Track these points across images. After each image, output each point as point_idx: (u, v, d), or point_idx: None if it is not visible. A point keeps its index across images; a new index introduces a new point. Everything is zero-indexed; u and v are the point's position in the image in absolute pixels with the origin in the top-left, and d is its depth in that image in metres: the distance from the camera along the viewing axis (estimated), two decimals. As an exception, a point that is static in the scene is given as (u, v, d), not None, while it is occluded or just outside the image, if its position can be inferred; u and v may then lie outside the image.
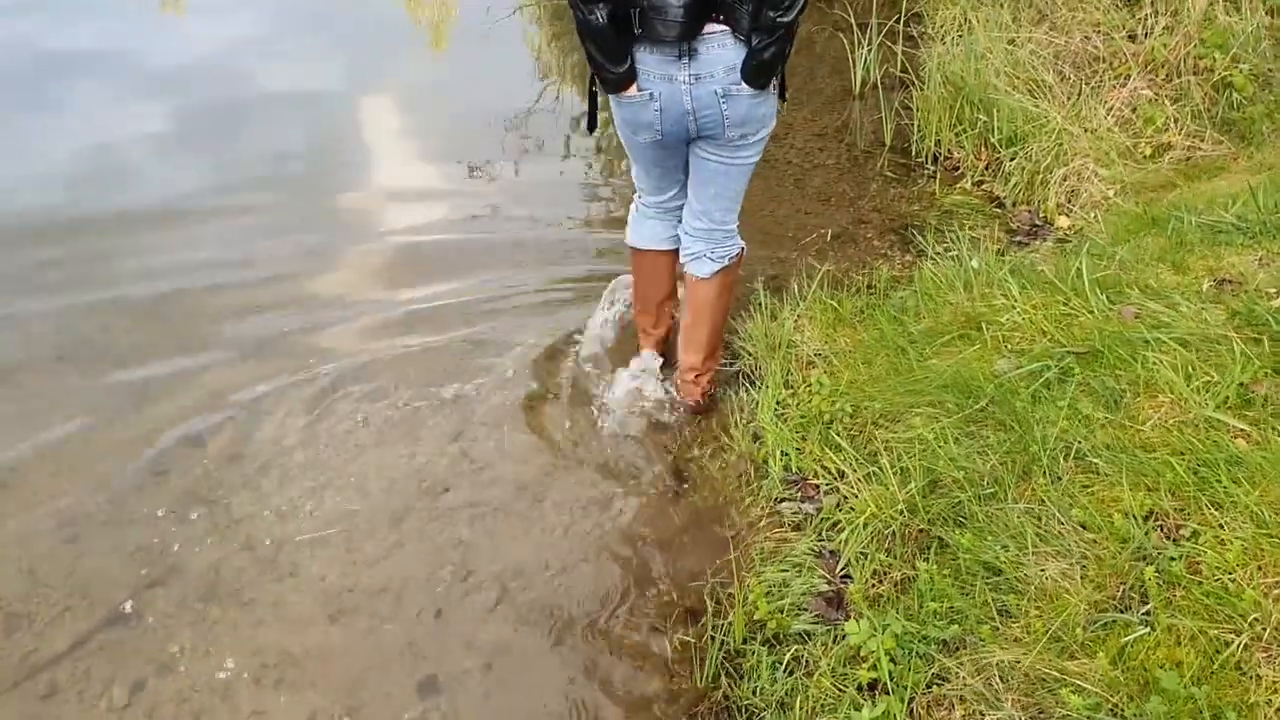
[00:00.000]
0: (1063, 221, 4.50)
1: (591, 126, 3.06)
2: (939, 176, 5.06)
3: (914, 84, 5.52)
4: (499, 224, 4.88)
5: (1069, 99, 4.90)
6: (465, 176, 5.46)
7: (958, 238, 4.17)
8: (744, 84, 2.81)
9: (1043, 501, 2.35)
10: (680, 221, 3.30)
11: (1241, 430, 2.34)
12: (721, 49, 2.77)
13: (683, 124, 2.92)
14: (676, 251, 3.36)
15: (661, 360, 3.61)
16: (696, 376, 3.45)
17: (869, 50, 6.01)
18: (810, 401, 3.20)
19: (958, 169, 5.09)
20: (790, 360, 3.48)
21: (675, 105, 2.87)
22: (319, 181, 5.37)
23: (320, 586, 2.76)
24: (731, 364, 3.63)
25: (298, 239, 4.65)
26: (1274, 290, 2.97)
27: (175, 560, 2.82)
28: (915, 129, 5.32)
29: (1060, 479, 2.40)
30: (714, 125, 2.91)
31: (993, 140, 4.91)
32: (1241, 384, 2.49)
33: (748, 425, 3.29)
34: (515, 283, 4.29)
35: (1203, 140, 4.50)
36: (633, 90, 2.87)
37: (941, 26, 6.30)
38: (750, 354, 3.59)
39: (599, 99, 3.01)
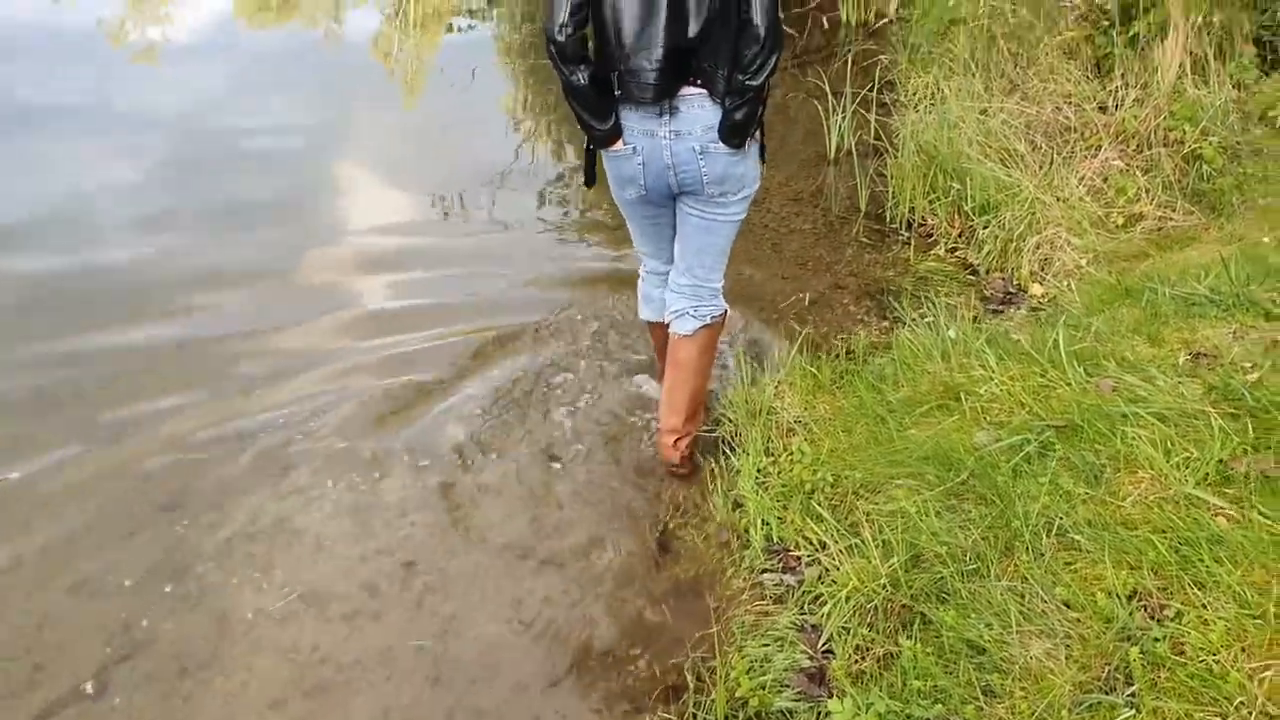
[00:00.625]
0: (1036, 290, 4.54)
1: (589, 182, 3.28)
2: (913, 243, 5.10)
3: (888, 151, 5.58)
4: (470, 266, 4.99)
5: (1041, 168, 4.97)
6: (439, 219, 5.64)
7: (934, 305, 4.20)
8: (720, 143, 2.99)
9: (1026, 579, 2.35)
10: None
11: (1222, 508, 2.35)
12: (700, 109, 2.97)
13: (664, 179, 3.10)
14: None
15: None
16: (676, 440, 3.43)
17: (843, 117, 6.08)
18: (791, 470, 3.19)
19: (931, 236, 5.14)
20: (771, 427, 3.48)
21: (656, 160, 3.06)
22: (289, 223, 5.51)
23: (294, 660, 2.71)
24: (713, 430, 3.62)
25: (268, 276, 4.80)
26: (1249, 364, 2.99)
27: (144, 634, 2.76)
28: (889, 195, 5.38)
29: (1043, 555, 2.40)
30: (693, 181, 3.08)
31: (966, 208, 4.96)
32: (1221, 461, 2.51)
33: (729, 493, 3.28)
34: (482, 324, 4.38)
35: (1174, 210, 4.56)
36: (618, 145, 3.07)
37: (914, 94, 6.39)
38: (731, 420, 3.59)
39: (595, 156, 3.21)
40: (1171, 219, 4.54)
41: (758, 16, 2.82)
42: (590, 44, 2.96)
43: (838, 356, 4.01)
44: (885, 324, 4.38)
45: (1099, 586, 2.25)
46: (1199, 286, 3.57)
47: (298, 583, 2.96)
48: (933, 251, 5.01)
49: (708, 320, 3.34)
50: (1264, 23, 5.08)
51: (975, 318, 3.99)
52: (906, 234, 5.21)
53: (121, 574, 2.96)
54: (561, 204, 5.92)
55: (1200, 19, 4.93)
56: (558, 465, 3.50)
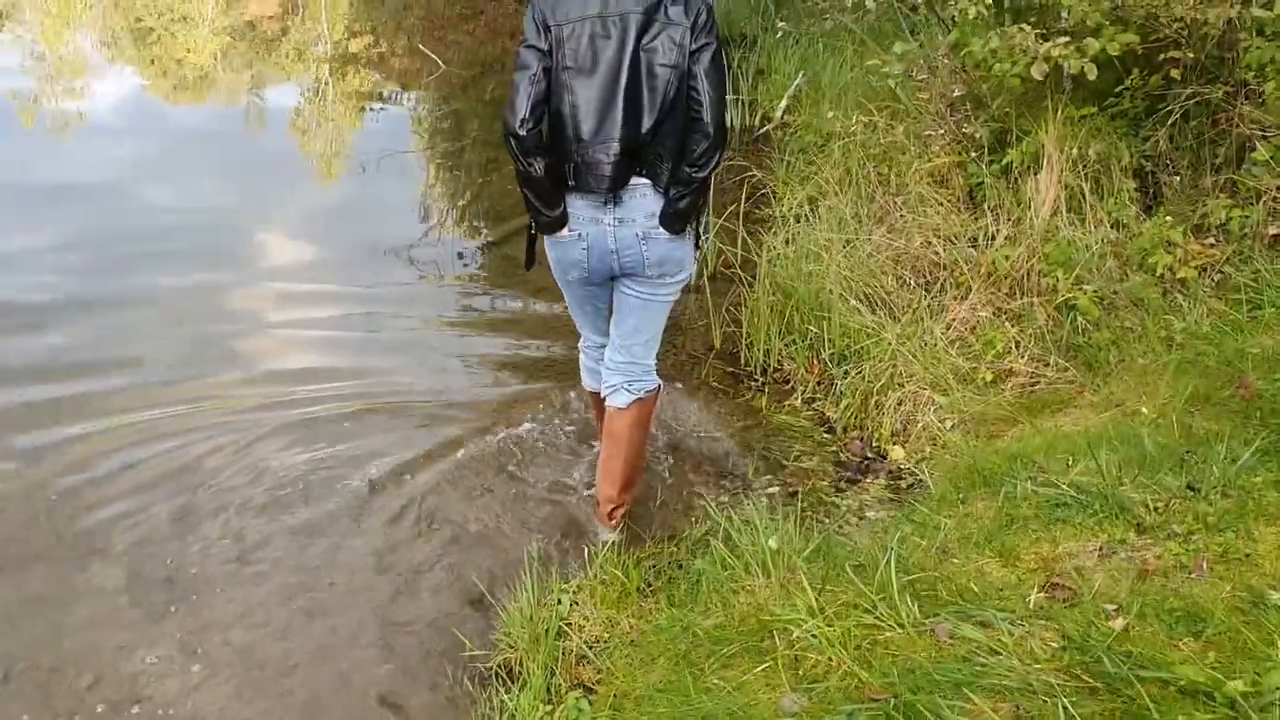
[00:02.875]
0: (897, 453, 4.04)
1: (529, 265, 3.48)
2: (768, 390, 4.58)
3: (744, 284, 5.05)
4: (378, 331, 5.14)
5: (907, 307, 4.48)
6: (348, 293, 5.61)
7: (775, 478, 3.67)
8: (661, 229, 3.25)
9: None
10: None
11: None
12: (643, 198, 3.24)
13: (607, 261, 3.34)
14: None
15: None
16: (612, 510, 3.61)
17: (706, 237, 5.58)
18: (569, 731, 2.59)
19: (788, 382, 4.63)
20: (557, 657, 2.88)
21: (600, 244, 3.30)
22: (203, 286, 5.58)
23: None
24: (487, 657, 3.01)
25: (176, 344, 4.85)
26: (1113, 605, 2.47)
27: None
28: (744, 335, 4.85)
29: None
30: (635, 263, 3.33)
31: (824, 355, 4.46)
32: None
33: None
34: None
35: (1047, 367, 4.08)
36: (564, 231, 3.30)
37: (788, 211, 5.92)
38: (511, 646, 2.97)
39: (535, 241, 3.42)
40: (1044, 376, 4.06)
41: (708, 115, 3.13)
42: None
43: (661, 542, 3.46)
44: (725, 498, 3.82)
45: None
46: (1064, 484, 3.04)
47: None
48: (788, 401, 4.50)
49: (641, 395, 3.53)
50: (1145, 152, 4.65)
51: (803, 520, 3.40)
52: (761, 379, 4.69)
53: None
54: (478, 265, 6.20)
55: (1076, 150, 4.50)
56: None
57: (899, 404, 4.15)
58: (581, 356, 3.79)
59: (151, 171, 7.63)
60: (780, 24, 8.52)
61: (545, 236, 3.36)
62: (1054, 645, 2.37)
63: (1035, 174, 4.55)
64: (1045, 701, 2.17)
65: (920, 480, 3.79)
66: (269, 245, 6.38)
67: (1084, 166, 4.50)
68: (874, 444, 4.15)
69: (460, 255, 6.32)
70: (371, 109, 10.46)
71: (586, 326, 3.69)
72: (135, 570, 3.34)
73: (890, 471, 4.00)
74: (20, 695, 2.84)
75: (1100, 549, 2.76)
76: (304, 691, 2.88)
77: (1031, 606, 2.53)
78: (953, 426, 3.98)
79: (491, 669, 2.95)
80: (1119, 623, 2.40)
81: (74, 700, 2.84)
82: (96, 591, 3.25)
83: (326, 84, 11.34)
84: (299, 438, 4.10)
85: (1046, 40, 4.39)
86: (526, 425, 4.28)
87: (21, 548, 3.42)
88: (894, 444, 4.09)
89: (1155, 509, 2.88)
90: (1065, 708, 2.11)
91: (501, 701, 2.79)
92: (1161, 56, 4.41)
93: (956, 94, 4.98)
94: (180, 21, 14.15)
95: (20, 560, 3.36)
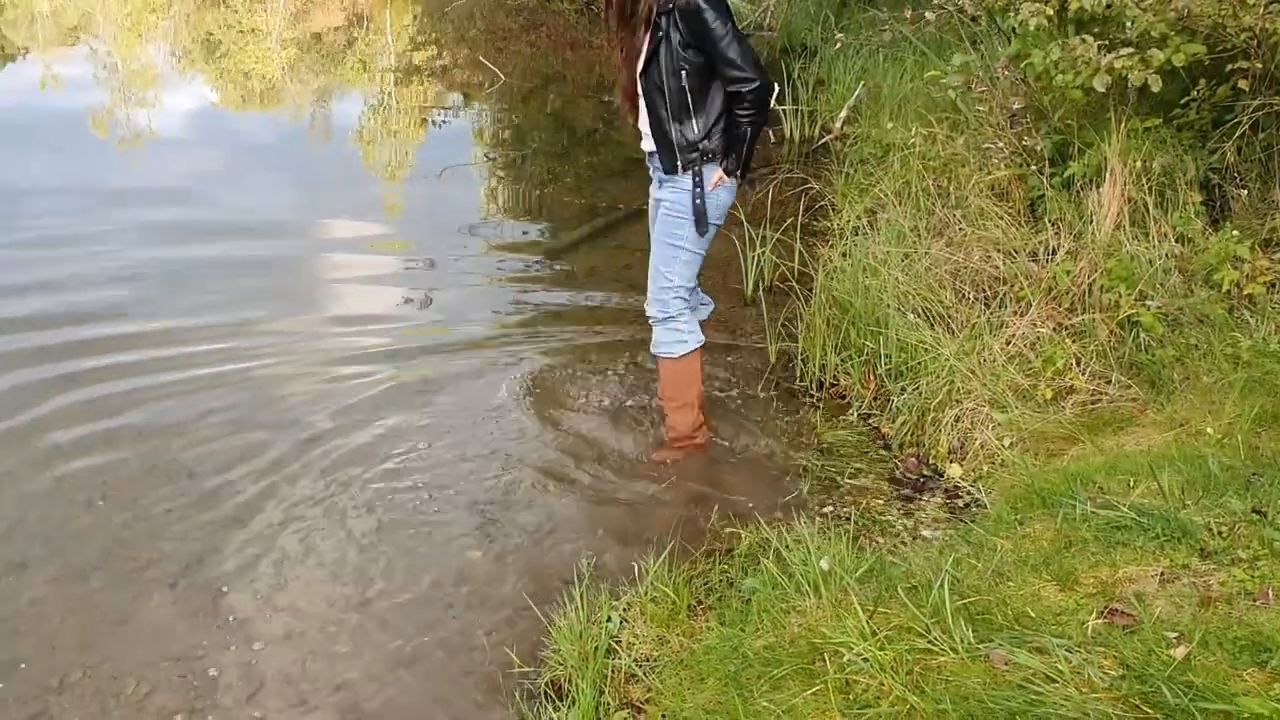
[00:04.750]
0: (954, 471, 3.98)
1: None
2: (823, 406, 4.54)
3: (800, 298, 5.01)
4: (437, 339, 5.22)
5: (965, 322, 4.41)
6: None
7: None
8: None
9: None
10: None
11: None
12: None
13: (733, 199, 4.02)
14: None
15: None
16: None
17: (762, 252, 5.56)
18: (619, 753, 2.58)
19: (844, 398, 4.58)
20: (606, 675, 2.86)
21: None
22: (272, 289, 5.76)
23: None
24: (536, 674, 3.00)
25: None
26: (1175, 633, 2.40)
27: None
28: (799, 350, 4.81)
29: None
30: None
31: (880, 371, 4.41)
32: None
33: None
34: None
35: (1109, 384, 4.00)
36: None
37: (846, 223, 5.87)
38: (560, 664, 2.96)
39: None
40: (1106, 393, 3.98)
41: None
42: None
43: (713, 559, 3.43)
44: (778, 514, 3.78)
45: None
46: (1125, 506, 2.97)
47: None
48: (843, 417, 4.45)
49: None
50: (1212, 164, 4.55)
51: (856, 539, 3.36)
52: (817, 394, 4.64)
53: None
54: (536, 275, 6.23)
55: (1139, 163, 4.41)
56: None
57: (956, 421, 4.08)
58: (676, 324, 4.03)
59: (216, 182, 7.85)
60: (838, 35, 8.46)
61: (730, 183, 3.88)
62: (1113, 674, 2.31)
63: (1098, 187, 4.46)
64: (1103, 732, 2.12)
65: (977, 499, 3.74)
66: (333, 257, 6.49)
67: (1148, 179, 4.41)
68: (930, 461, 4.09)
69: (520, 265, 6.36)
70: (434, 121, 10.59)
71: (694, 274, 4.04)
72: (188, 584, 3.38)
73: (947, 490, 3.94)
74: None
75: (1162, 574, 2.69)
76: (351, 713, 2.89)
77: (1090, 633, 2.47)
78: (1011, 444, 3.91)
79: (540, 687, 2.94)
80: (1180, 651, 2.34)
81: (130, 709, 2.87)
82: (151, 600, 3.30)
83: (390, 96, 11.55)
84: (356, 447, 4.14)
85: (1110, 51, 4.32)
86: (586, 425, 4.40)
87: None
88: (951, 462, 4.03)
89: (1219, 533, 2.81)
90: (1123, 739, 2.06)
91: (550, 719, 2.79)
92: (1229, 67, 4.32)
93: (1017, 106, 4.91)
94: (249, 34, 14.40)
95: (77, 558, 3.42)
